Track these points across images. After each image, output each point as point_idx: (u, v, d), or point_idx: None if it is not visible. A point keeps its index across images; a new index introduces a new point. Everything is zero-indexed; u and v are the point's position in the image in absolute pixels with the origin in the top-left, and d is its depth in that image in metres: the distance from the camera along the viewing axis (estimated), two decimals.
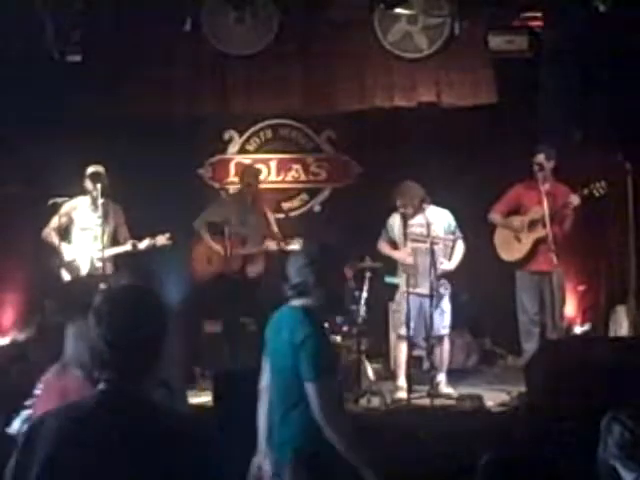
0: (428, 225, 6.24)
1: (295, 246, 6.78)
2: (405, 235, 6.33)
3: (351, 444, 3.15)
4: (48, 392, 3.19)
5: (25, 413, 3.40)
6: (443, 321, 6.33)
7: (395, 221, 6.46)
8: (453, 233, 6.40)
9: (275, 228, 7.08)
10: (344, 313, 6.37)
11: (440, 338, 6.36)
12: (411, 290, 6.18)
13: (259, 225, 7.03)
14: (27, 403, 3.41)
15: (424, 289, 6.22)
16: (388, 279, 6.67)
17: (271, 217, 7.17)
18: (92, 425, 1.98)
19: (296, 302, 3.37)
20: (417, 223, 6.35)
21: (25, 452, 2.01)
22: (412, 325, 6.20)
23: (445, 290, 6.33)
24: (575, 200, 6.36)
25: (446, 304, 6.36)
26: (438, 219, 6.35)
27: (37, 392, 3.32)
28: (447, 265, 6.31)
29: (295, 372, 3.20)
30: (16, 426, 3.40)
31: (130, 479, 1.94)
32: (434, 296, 6.17)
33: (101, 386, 2.05)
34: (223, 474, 2.10)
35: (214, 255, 7.01)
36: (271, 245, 6.86)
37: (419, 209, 6.33)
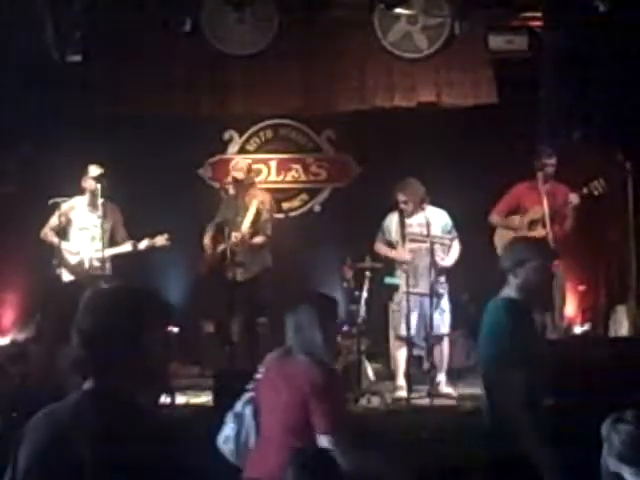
0: (428, 224, 6.24)
1: (258, 240, 6.74)
2: (403, 236, 6.32)
3: (528, 438, 3.09)
4: (270, 375, 3.35)
5: (247, 395, 3.47)
6: (443, 320, 6.33)
7: (392, 221, 6.45)
8: (449, 233, 6.41)
9: (246, 224, 6.77)
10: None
11: (440, 337, 6.35)
12: (411, 290, 6.18)
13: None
14: (249, 386, 3.49)
15: (424, 289, 6.22)
16: (388, 280, 6.67)
17: (251, 212, 6.84)
18: (70, 426, 1.97)
19: (502, 293, 3.48)
20: (416, 223, 6.34)
21: (16, 453, 2.01)
22: (413, 325, 6.19)
23: (444, 290, 6.33)
24: (575, 199, 6.36)
25: (445, 303, 6.36)
26: (436, 219, 6.36)
27: (258, 376, 3.44)
28: (445, 261, 6.30)
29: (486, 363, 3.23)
30: (239, 408, 3.46)
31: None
32: (434, 296, 6.17)
33: (85, 385, 2.04)
34: (201, 476, 2.07)
35: (206, 252, 6.97)
36: (232, 240, 6.70)
37: (419, 207, 6.33)
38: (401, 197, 6.33)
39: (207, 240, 6.96)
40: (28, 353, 6.79)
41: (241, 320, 7.02)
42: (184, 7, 7.04)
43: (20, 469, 1.99)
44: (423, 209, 6.35)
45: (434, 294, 6.18)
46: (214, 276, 6.89)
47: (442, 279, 6.30)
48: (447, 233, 6.40)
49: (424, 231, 6.27)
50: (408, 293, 6.18)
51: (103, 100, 7.11)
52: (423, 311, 6.24)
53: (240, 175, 7.01)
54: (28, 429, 2.04)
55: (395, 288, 6.50)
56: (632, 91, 6.58)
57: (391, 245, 6.48)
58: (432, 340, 6.31)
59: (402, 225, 6.33)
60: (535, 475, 3.17)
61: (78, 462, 1.92)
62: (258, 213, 6.89)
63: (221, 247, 6.86)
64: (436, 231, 6.32)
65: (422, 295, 6.24)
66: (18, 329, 7.38)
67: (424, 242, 6.25)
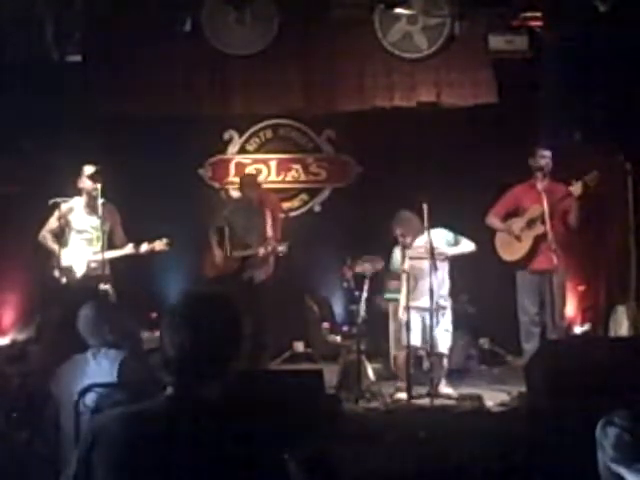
0: (431, 243, 6.13)
1: (282, 248, 6.78)
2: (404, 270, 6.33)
3: None
4: None
5: None
6: (444, 341, 6.25)
7: (397, 254, 6.49)
8: (453, 244, 6.35)
9: (270, 232, 6.97)
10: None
11: (440, 356, 6.32)
12: (411, 304, 6.14)
13: (259, 229, 7.01)
14: None
15: (425, 303, 6.15)
16: (388, 295, 6.72)
17: (269, 220, 7.04)
18: (158, 431, 1.96)
19: None
20: (418, 245, 6.29)
21: (87, 457, 1.97)
22: (416, 339, 6.17)
23: (446, 303, 6.28)
24: (577, 190, 6.31)
25: (448, 323, 6.29)
26: (437, 238, 6.23)
27: None
28: (445, 250, 6.24)
29: None
30: None
31: None
32: (436, 310, 6.12)
33: (168, 391, 2.02)
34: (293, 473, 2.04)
35: (216, 258, 7.04)
36: (261, 250, 6.84)
37: (417, 235, 6.30)
38: (399, 231, 6.33)
39: (216, 251, 7.01)
40: (28, 353, 6.79)
41: (250, 321, 7.02)
42: (184, 7, 7.05)
43: (100, 470, 1.96)
44: (423, 233, 6.26)
45: (436, 308, 6.12)
46: (224, 278, 6.90)
47: (444, 292, 6.25)
48: (451, 245, 6.36)
49: (427, 248, 6.18)
50: (408, 307, 6.14)
51: (103, 100, 7.11)
52: (424, 325, 6.21)
53: (250, 190, 7.12)
54: (101, 431, 2.00)
55: (395, 301, 6.52)
56: (632, 91, 6.58)
57: (397, 276, 6.50)
58: (433, 358, 6.25)
59: (403, 259, 6.33)
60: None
61: (162, 467, 1.92)
62: (274, 219, 6.97)
63: (238, 254, 6.89)
64: (440, 247, 6.25)
65: (423, 310, 6.19)
66: (18, 329, 7.38)
67: (426, 259, 6.15)
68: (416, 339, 6.20)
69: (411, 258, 6.26)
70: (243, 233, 7.00)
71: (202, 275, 7.19)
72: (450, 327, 6.33)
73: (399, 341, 6.45)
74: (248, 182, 7.44)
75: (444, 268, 6.25)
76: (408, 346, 6.16)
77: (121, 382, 3.63)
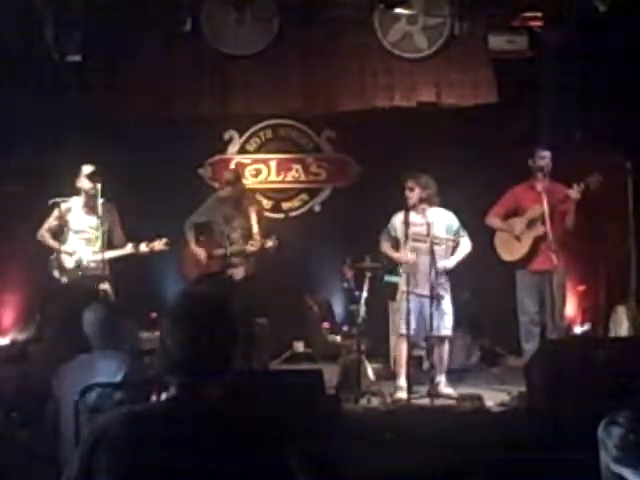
0: (428, 225, 6.23)
1: (270, 243, 6.77)
2: (407, 235, 6.31)
3: None
4: None
5: None
6: (444, 323, 6.30)
7: (398, 220, 6.42)
8: (455, 234, 6.37)
9: (255, 229, 6.90)
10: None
11: (440, 339, 6.33)
12: (411, 290, 6.17)
13: (242, 226, 6.99)
14: None
15: (424, 289, 6.21)
16: (387, 278, 6.68)
17: (254, 218, 6.97)
18: (160, 431, 1.95)
19: None
20: (418, 223, 6.33)
21: (88, 458, 1.95)
22: (413, 325, 6.18)
23: (445, 291, 6.31)
24: (575, 193, 6.32)
25: (448, 306, 6.33)
26: (439, 220, 6.33)
27: None
28: (446, 263, 6.28)
29: None
30: None
31: None
32: (434, 296, 6.16)
33: (171, 391, 2.03)
34: (294, 473, 2.03)
35: (198, 256, 6.97)
36: (249, 247, 6.81)
37: (422, 203, 6.30)
38: (408, 183, 6.32)
39: (194, 246, 6.96)
40: (28, 353, 6.80)
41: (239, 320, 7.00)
42: (184, 7, 7.05)
43: (102, 471, 1.94)
44: (425, 209, 6.32)
45: (435, 295, 6.16)
46: (208, 277, 6.88)
47: (443, 280, 6.29)
48: (453, 234, 6.36)
49: (425, 231, 6.26)
50: (408, 292, 6.17)
51: (103, 100, 7.12)
52: (423, 312, 6.23)
53: (231, 178, 7.10)
54: (102, 431, 1.99)
55: (395, 286, 6.50)
56: (632, 91, 6.59)
57: (396, 242, 6.47)
58: (432, 341, 6.29)
59: (406, 224, 6.31)
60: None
61: (168, 468, 1.91)
62: (259, 218, 6.95)
63: (220, 251, 6.88)
64: (438, 232, 6.29)
65: (422, 296, 6.23)
66: (18, 329, 7.38)
67: (425, 242, 6.24)
68: (415, 327, 6.21)
69: (413, 239, 6.28)
70: (224, 230, 6.93)
71: (186, 275, 7.09)
72: (450, 310, 6.34)
73: (399, 338, 6.44)
74: (231, 171, 7.44)
75: (441, 253, 6.27)
76: (408, 335, 6.15)
77: (123, 382, 3.63)
